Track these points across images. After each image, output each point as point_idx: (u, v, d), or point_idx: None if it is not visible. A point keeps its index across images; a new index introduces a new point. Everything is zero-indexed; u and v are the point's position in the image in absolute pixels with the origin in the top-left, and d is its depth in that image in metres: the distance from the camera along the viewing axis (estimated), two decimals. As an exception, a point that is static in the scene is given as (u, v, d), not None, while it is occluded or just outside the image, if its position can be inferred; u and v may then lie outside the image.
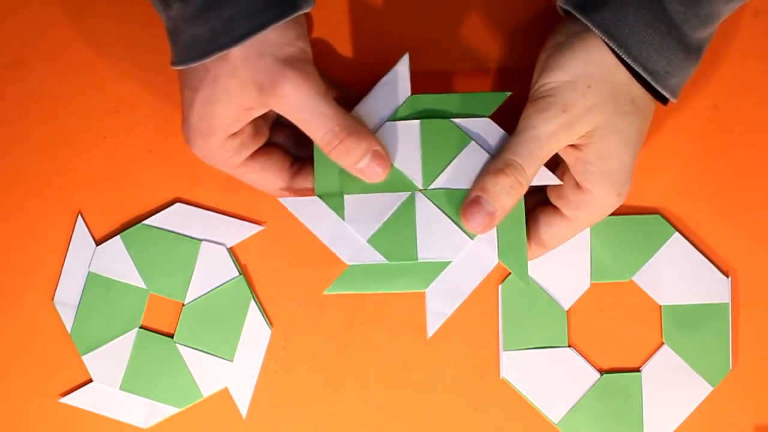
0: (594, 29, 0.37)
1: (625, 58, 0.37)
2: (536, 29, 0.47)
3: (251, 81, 0.37)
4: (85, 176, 0.48)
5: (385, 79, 0.42)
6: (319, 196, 0.41)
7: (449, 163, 0.41)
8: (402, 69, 0.41)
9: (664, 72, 0.38)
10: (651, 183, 0.46)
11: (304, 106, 0.38)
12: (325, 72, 0.45)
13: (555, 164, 0.42)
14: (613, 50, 0.38)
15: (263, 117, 0.41)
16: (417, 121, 0.41)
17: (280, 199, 0.41)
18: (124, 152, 0.48)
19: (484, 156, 0.41)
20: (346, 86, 0.46)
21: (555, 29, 0.41)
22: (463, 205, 0.40)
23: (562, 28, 0.40)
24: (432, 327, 0.40)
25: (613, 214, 0.45)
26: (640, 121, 0.39)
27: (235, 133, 0.40)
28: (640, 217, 0.46)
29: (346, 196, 0.41)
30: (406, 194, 0.41)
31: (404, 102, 0.41)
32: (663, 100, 0.40)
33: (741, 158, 0.47)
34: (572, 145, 0.39)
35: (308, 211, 0.41)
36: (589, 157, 0.39)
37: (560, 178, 0.41)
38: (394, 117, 0.41)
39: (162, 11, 0.39)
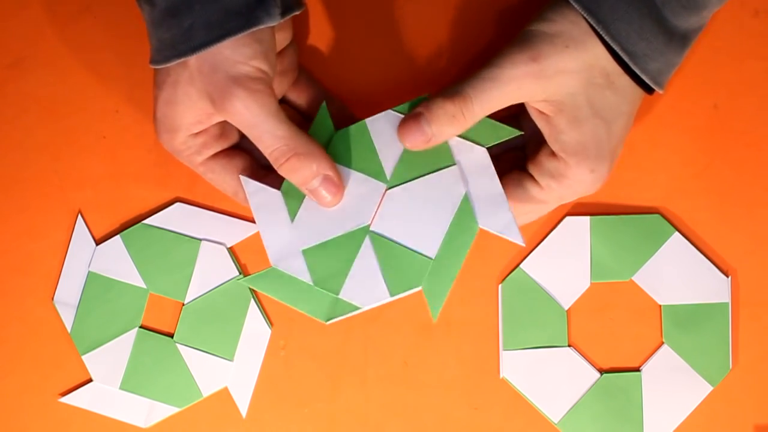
0: (575, 5, 0.37)
1: (603, 35, 0.37)
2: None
3: (205, 92, 0.38)
4: (85, 176, 0.48)
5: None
6: (283, 193, 0.41)
7: (423, 175, 0.40)
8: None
9: (642, 54, 0.38)
10: (651, 183, 0.46)
11: (253, 124, 0.38)
12: (324, 83, 0.46)
13: (532, 136, 0.42)
14: (593, 29, 0.37)
15: None
16: None
17: (241, 177, 0.41)
18: (124, 152, 0.48)
19: (459, 185, 0.40)
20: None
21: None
22: (402, 118, 0.40)
23: None
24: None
25: (613, 213, 0.46)
26: (615, 99, 0.39)
27: (198, 132, 0.40)
28: (640, 217, 0.46)
29: (306, 200, 0.41)
30: (360, 225, 0.40)
31: (417, 98, 0.41)
32: (647, 89, 0.39)
33: (741, 158, 0.47)
34: (545, 114, 0.39)
35: (262, 198, 0.41)
36: (561, 125, 0.39)
37: (537, 147, 0.41)
38: (400, 109, 0.41)
39: (140, 10, 0.40)
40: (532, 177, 0.41)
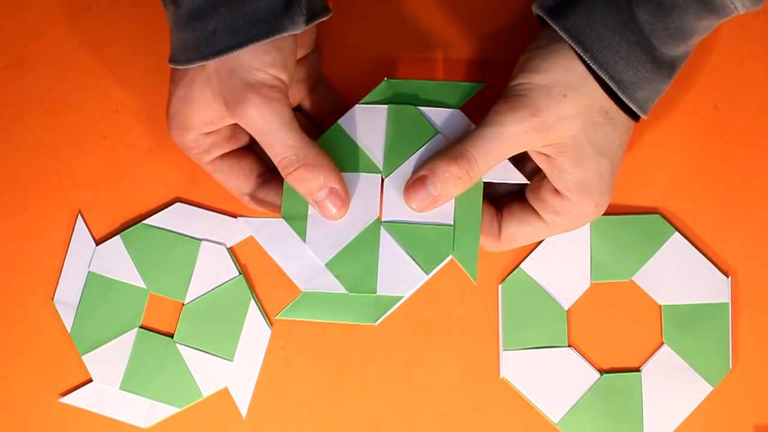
0: (562, 34, 0.37)
1: (591, 65, 0.37)
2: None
3: (220, 94, 0.38)
4: (85, 176, 0.48)
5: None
6: (284, 218, 0.41)
7: (413, 153, 0.41)
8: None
9: (630, 83, 0.38)
10: (651, 183, 0.46)
11: (265, 131, 0.38)
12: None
13: (534, 170, 0.42)
14: (581, 58, 0.37)
15: None
16: (385, 106, 0.42)
17: (240, 219, 0.41)
18: (124, 152, 0.48)
19: None
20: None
21: (537, 33, 0.40)
22: (407, 182, 0.40)
23: (544, 32, 0.40)
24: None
25: (613, 213, 0.46)
26: (615, 134, 0.39)
27: (209, 132, 0.41)
28: (640, 217, 0.46)
29: (309, 215, 0.41)
30: (370, 221, 0.41)
31: (378, 85, 0.42)
32: (634, 116, 0.40)
33: (741, 158, 0.47)
34: (546, 155, 0.39)
35: (268, 232, 0.41)
36: (564, 165, 0.39)
37: (539, 182, 0.41)
38: (366, 99, 0.42)
39: (165, 9, 0.40)
40: (534, 211, 0.41)
